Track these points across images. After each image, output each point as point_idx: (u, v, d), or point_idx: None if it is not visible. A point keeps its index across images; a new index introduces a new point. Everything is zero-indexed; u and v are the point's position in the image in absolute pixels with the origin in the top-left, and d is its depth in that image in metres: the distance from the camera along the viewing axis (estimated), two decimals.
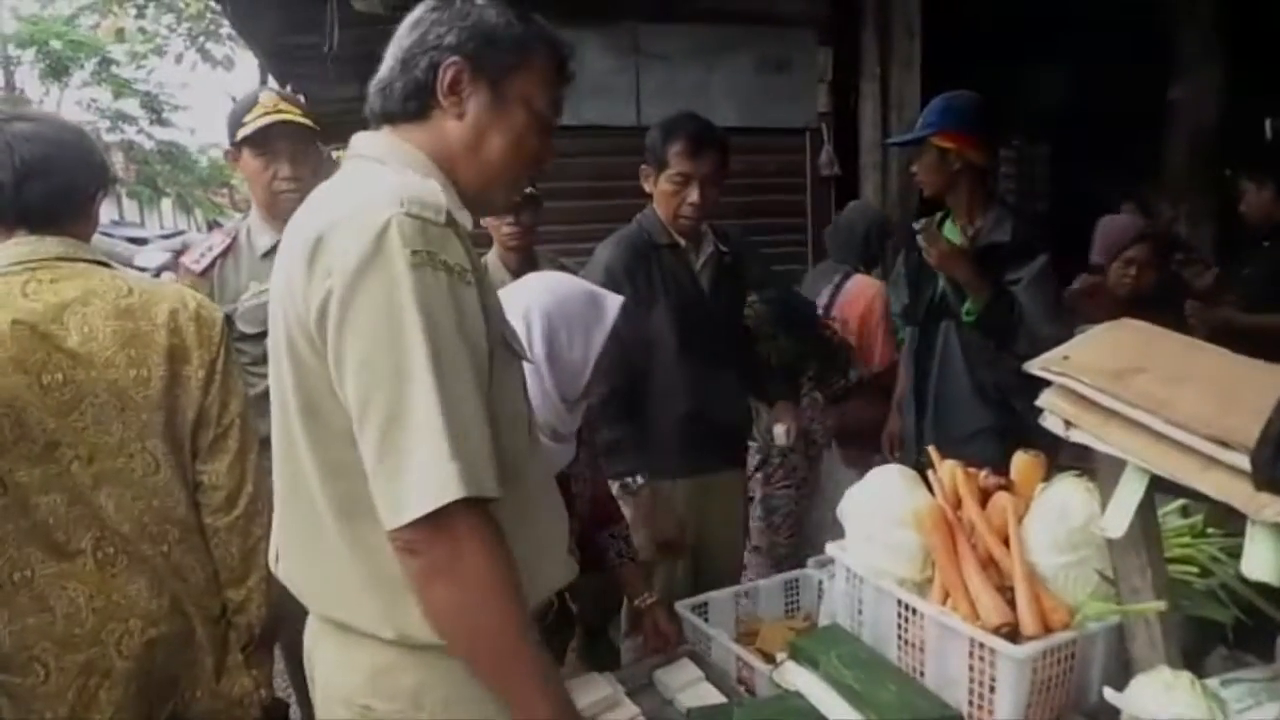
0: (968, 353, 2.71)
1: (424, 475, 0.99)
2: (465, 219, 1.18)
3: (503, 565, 1.06)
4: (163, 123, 18.22)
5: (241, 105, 2.33)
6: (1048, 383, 1.36)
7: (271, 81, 6.78)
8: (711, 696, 1.77)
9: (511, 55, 1.21)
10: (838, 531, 2.60)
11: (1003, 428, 2.59)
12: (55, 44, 15.29)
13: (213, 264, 2.31)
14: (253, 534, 1.72)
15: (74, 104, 16.95)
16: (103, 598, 1.60)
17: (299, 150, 2.31)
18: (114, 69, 16.29)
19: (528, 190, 2.58)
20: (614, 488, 2.34)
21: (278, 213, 2.30)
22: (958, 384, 2.74)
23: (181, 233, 16.00)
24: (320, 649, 1.22)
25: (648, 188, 2.51)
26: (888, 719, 1.41)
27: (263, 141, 2.26)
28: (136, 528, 1.61)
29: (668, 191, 2.45)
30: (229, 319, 2.20)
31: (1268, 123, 6.22)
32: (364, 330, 1.02)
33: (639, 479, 2.39)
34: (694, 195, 2.43)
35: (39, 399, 1.54)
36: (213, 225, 21.97)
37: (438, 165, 1.20)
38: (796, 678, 1.61)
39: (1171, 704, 1.25)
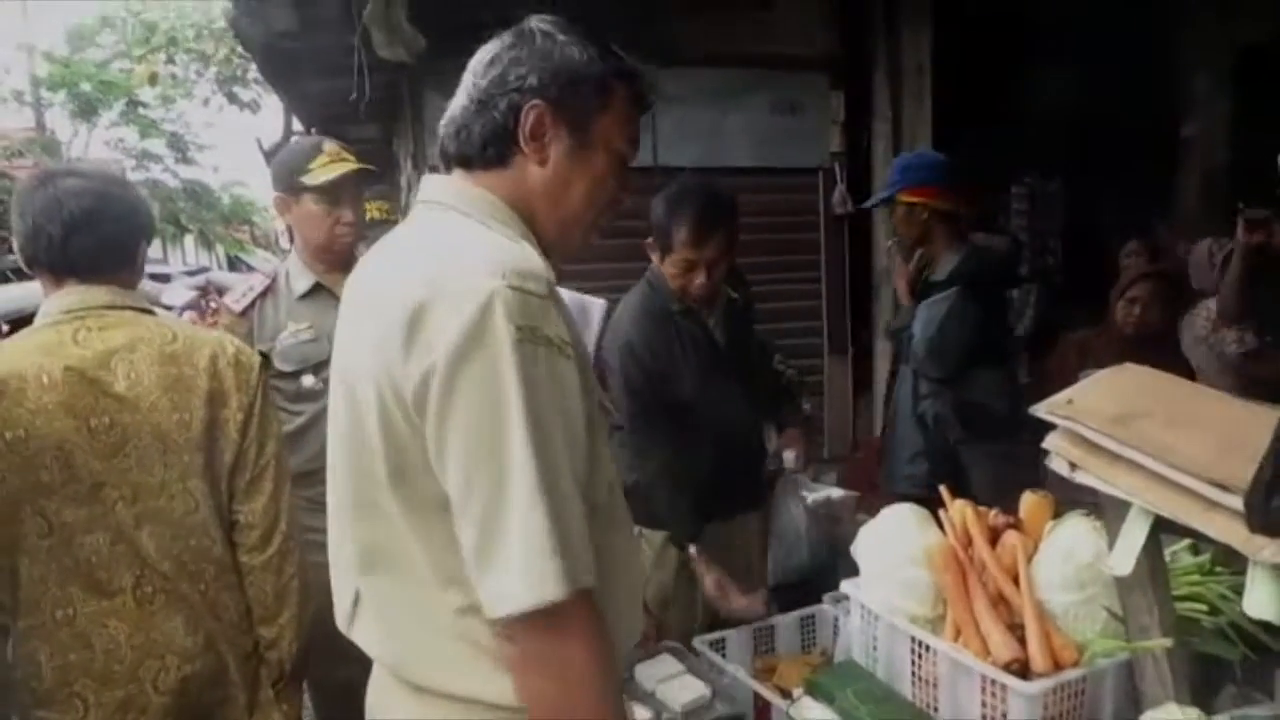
0: (915, 379, 3.01)
1: (525, 571, 0.97)
2: (549, 271, 1.11)
3: (601, 659, 1.03)
4: (187, 161, 18.62)
5: (299, 153, 2.41)
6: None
7: (296, 124, 7.00)
8: (694, 687, 1.80)
9: (594, 97, 1.16)
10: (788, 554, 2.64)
11: (934, 452, 2.92)
12: (85, 86, 15.72)
13: (252, 304, 2.39)
14: (285, 572, 1.77)
15: (102, 144, 17.40)
16: (141, 635, 1.66)
17: (358, 196, 2.44)
18: (141, 110, 16.71)
19: None
20: None
21: (332, 256, 2.39)
22: (906, 408, 3.05)
23: (205, 269, 16.25)
24: (393, 709, 1.18)
25: (654, 260, 2.41)
26: None
27: (331, 190, 2.35)
28: (176, 566, 1.67)
29: (674, 274, 2.34)
30: (265, 356, 2.29)
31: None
32: (467, 413, 0.99)
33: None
34: (700, 279, 2.32)
35: (87, 441, 1.61)
36: (233, 260, 22.35)
37: (518, 213, 1.16)
38: (812, 713, 1.65)
39: None
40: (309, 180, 2.34)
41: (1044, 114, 5.85)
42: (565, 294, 1.86)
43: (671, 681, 1.82)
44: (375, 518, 1.12)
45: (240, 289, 2.44)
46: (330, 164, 2.35)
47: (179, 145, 18.12)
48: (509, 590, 0.98)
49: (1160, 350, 2.89)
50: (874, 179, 4.79)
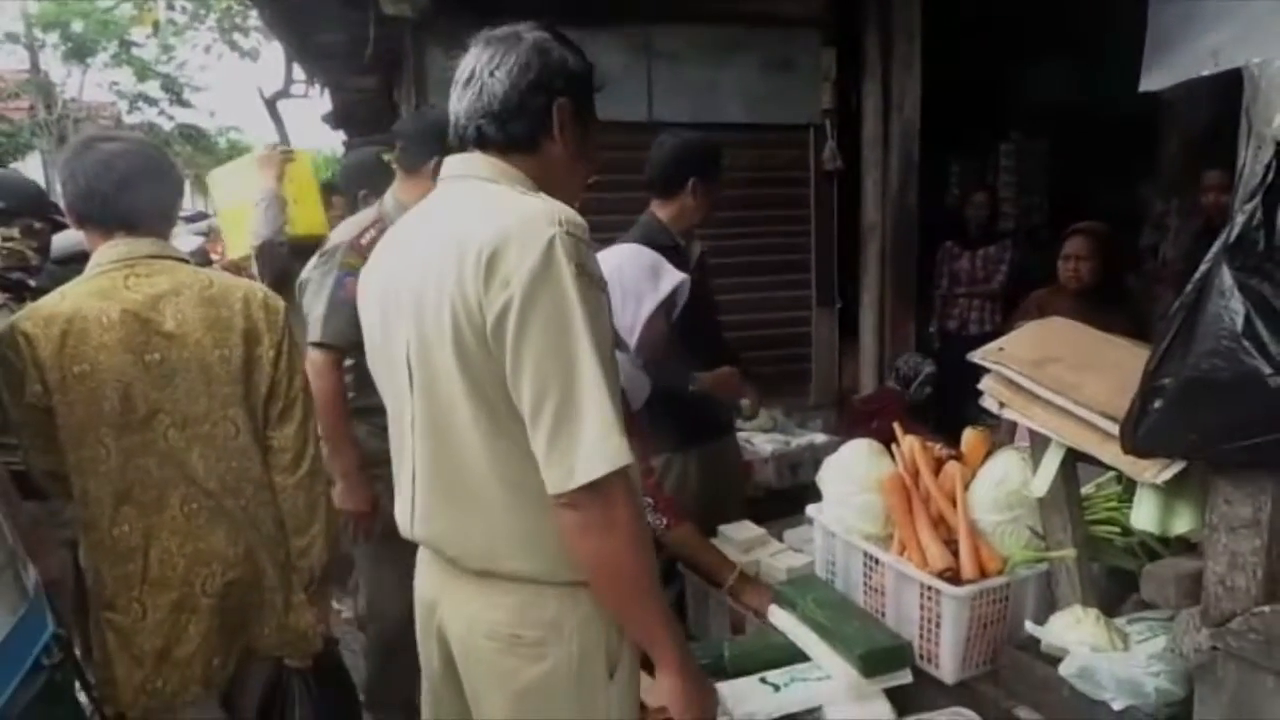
0: None
1: (594, 446, 1.20)
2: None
3: (642, 520, 1.29)
4: (183, 104, 18.45)
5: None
6: None
7: (297, 72, 7.10)
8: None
9: (590, 94, 1.45)
10: None
11: None
12: (78, 26, 15.57)
13: (372, 241, 2.39)
14: (315, 489, 2.00)
15: (94, 85, 17.30)
16: (190, 546, 1.88)
17: None
18: (134, 50, 16.56)
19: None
20: None
21: None
22: None
23: (204, 215, 16.21)
24: (454, 596, 1.43)
25: (692, 200, 2.82)
26: (850, 648, 1.68)
27: None
28: (220, 484, 1.89)
29: (706, 204, 2.83)
30: None
31: None
32: (541, 331, 1.21)
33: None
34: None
35: (142, 374, 1.82)
36: None
37: (537, 186, 1.38)
38: (778, 618, 1.89)
39: (1079, 633, 1.52)
40: None
41: (1030, 74, 6.00)
42: (645, 259, 2.15)
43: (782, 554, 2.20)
44: (447, 435, 1.34)
45: (360, 228, 2.56)
46: None
47: (173, 88, 17.98)
48: (583, 463, 1.21)
49: (1106, 303, 3.11)
50: (863, 136, 4.94)
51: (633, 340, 2.06)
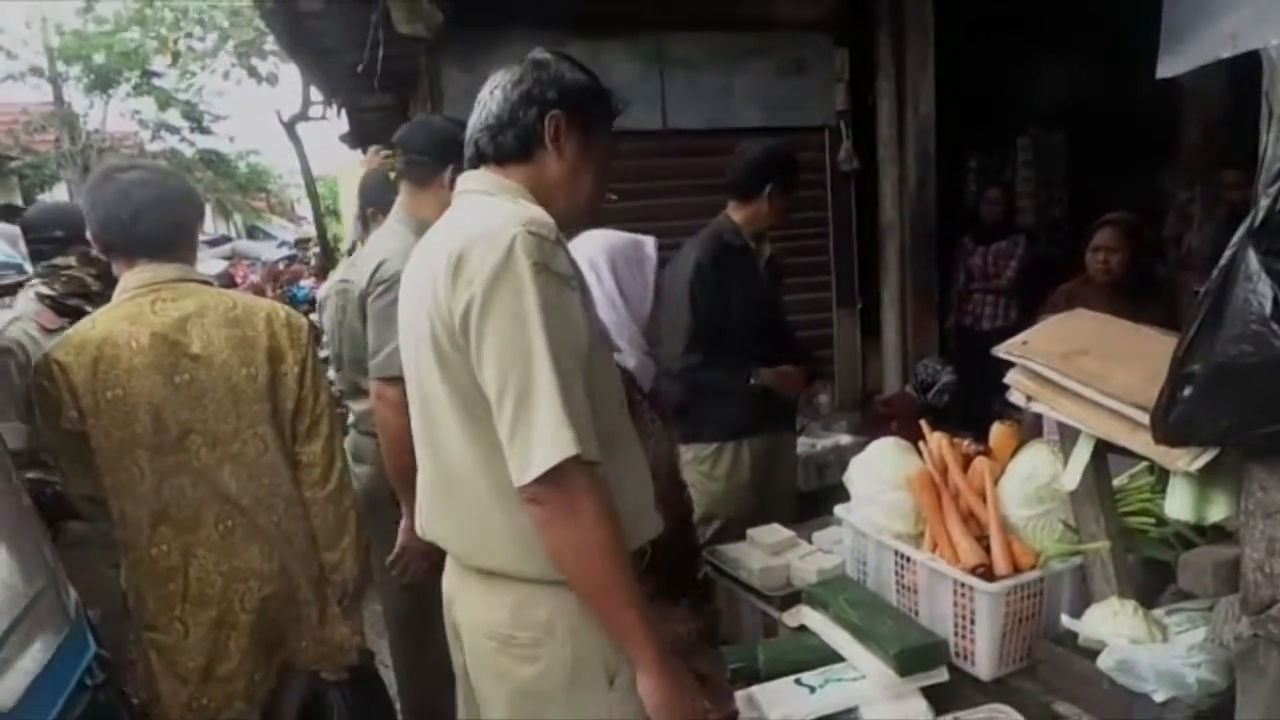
0: None
1: (546, 439, 1.22)
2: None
3: (608, 513, 1.28)
4: (203, 130, 18.68)
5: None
6: None
7: (314, 94, 7.17)
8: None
9: (597, 109, 1.48)
10: None
11: None
12: (99, 58, 15.81)
13: None
14: (344, 503, 2.02)
15: (117, 115, 17.51)
16: (227, 563, 1.91)
17: None
18: (155, 80, 16.79)
19: None
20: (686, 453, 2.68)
21: None
22: None
23: (227, 239, 16.43)
24: (464, 594, 1.46)
25: (767, 205, 2.91)
26: (885, 647, 1.68)
27: None
28: (253, 501, 1.91)
29: (780, 208, 2.92)
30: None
31: None
32: (499, 326, 1.25)
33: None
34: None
35: (172, 395, 1.85)
36: (251, 229, 22.54)
37: (536, 198, 1.42)
38: (810, 619, 1.89)
39: (1116, 626, 1.51)
40: None
41: (1046, 67, 5.95)
42: (624, 234, 2.14)
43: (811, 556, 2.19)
44: (439, 439, 1.40)
45: (402, 253, 2.44)
46: None
47: (194, 115, 18.20)
48: (533, 458, 1.23)
49: (1136, 294, 3.08)
50: (879, 136, 4.93)
51: (646, 306, 2.03)
